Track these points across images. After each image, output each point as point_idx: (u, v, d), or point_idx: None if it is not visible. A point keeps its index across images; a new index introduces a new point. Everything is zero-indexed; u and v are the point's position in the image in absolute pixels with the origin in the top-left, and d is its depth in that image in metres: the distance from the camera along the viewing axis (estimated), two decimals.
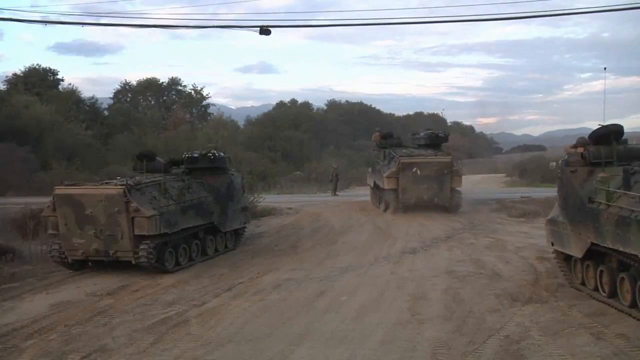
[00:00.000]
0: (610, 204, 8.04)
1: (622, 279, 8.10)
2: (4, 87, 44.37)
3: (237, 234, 15.04)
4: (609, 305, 8.30)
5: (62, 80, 48.81)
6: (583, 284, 9.24)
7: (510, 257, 12.21)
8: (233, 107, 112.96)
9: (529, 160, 39.75)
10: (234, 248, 14.61)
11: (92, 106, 47.67)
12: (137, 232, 11.39)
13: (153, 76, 60.64)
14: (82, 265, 12.35)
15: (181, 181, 13.20)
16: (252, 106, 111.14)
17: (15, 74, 46.97)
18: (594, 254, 8.73)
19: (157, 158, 14.30)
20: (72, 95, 46.42)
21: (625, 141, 9.36)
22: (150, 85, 56.95)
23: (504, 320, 7.85)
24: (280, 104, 61.96)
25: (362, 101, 69.90)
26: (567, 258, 9.67)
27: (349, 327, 7.95)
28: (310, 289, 10.19)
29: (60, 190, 11.76)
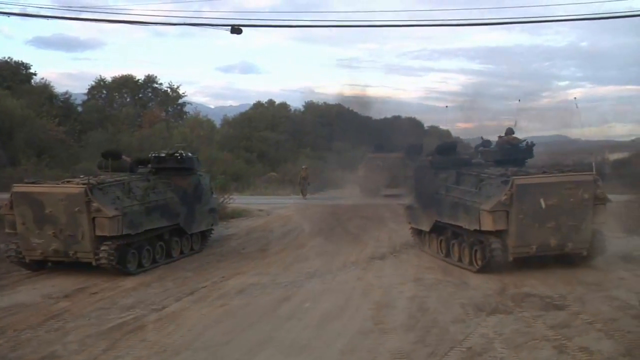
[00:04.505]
0: (448, 194, 12.15)
1: (453, 244, 12.16)
2: None
3: (204, 236, 14.77)
4: (445, 262, 12.24)
5: (35, 74, 47.81)
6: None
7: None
8: (212, 107, 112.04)
9: None
10: (200, 250, 14.33)
11: (65, 102, 46.69)
12: (98, 232, 11.09)
13: (130, 73, 59.77)
14: (41, 266, 11.99)
15: (146, 181, 12.90)
16: (231, 106, 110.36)
17: None
18: (437, 228, 12.71)
19: (123, 157, 13.97)
20: (44, 90, 45.48)
21: (457, 153, 13.49)
22: (126, 82, 56.06)
23: (468, 331, 7.70)
24: (258, 104, 61.40)
25: (341, 103, 69.58)
26: (419, 232, 13.77)
27: (310, 335, 7.75)
28: (275, 294, 9.97)
29: (18, 188, 11.40)
